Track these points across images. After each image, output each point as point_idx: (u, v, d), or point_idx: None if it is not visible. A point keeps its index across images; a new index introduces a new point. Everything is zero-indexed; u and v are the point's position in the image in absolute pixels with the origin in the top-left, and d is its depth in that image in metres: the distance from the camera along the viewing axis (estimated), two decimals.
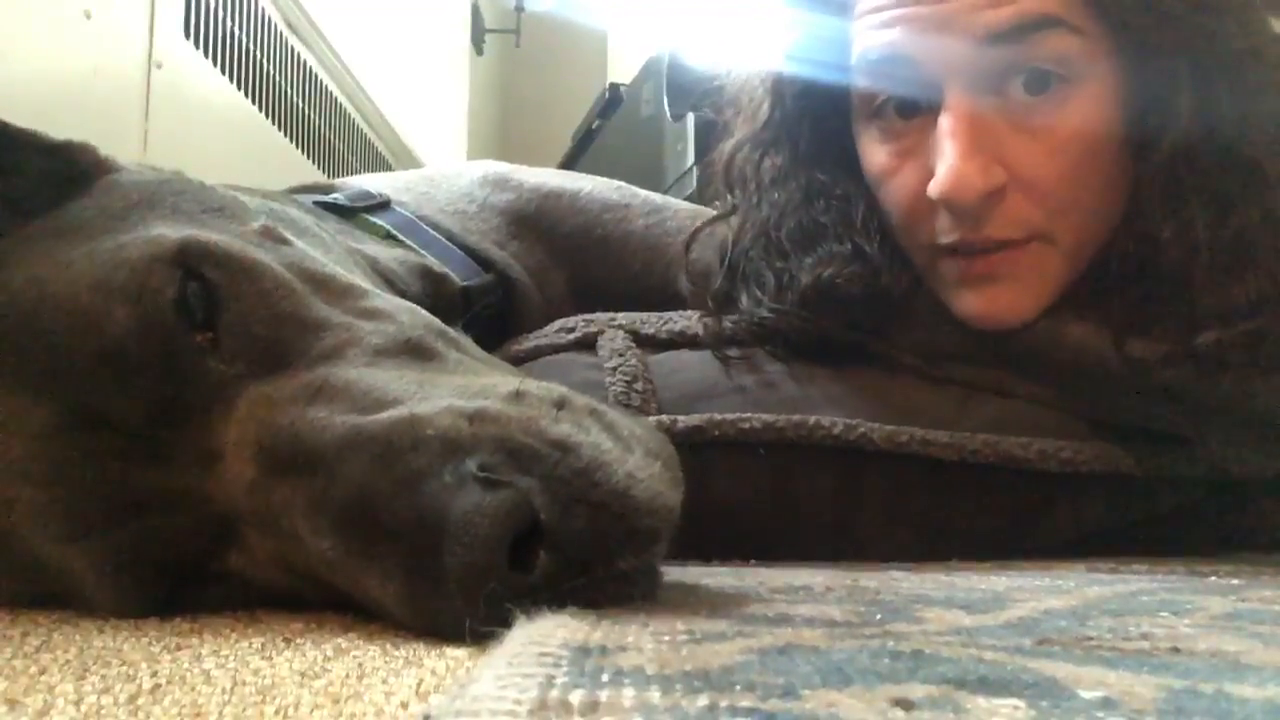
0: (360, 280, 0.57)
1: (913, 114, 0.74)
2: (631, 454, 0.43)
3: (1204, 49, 0.70)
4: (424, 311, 0.57)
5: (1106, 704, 0.26)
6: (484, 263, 0.83)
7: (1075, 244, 0.74)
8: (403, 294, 0.64)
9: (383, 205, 0.81)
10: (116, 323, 0.46)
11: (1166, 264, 0.70)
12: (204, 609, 0.47)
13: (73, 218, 0.52)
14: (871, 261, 0.77)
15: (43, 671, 0.33)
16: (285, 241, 0.55)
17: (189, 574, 0.47)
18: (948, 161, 0.69)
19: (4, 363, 0.48)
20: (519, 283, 0.85)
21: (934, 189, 0.70)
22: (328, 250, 0.61)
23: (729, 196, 0.85)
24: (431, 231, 0.81)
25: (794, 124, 0.81)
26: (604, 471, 0.41)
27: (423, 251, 0.77)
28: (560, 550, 0.39)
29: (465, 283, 0.78)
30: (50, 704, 0.28)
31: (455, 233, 0.83)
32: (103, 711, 0.28)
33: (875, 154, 0.77)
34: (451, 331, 0.56)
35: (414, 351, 0.50)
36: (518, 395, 0.45)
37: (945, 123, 0.70)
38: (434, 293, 0.72)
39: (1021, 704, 0.25)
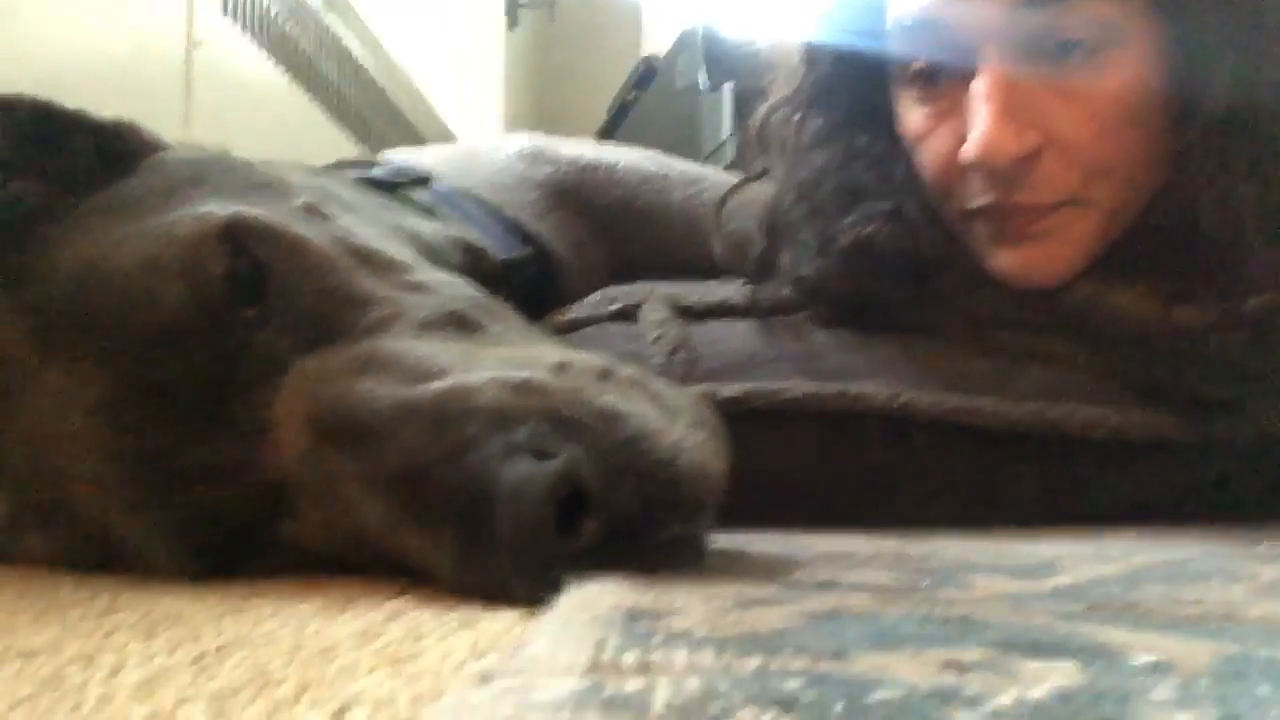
0: (403, 254, 0.58)
1: (948, 78, 0.73)
2: (676, 423, 0.44)
3: (1247, 11, 0.68)
4: (467, 284, 0.57)
5: (1159, 668, 0.26)
6: (523, 236, 0.83)
7: (1112, 208, 0.73)
8: (445, 268, 0.65)
9: (423, 180, 0.82)
10: (169, 299, 0.47)
11: (1211, 229, 0.69)
12: (260, 574, 0.49)
13: (122, 196, 0.53)
14: (911, 220, 0.76)
15: (112, 632, 0.34)
16: (329, 217, 0.56)
17: (245, 541, 0.48)
18: (981, 126, 0.68)
19: (62, 338, 0.49)
20: (557, 256, 0.85)
21: (966, 153, 0.69)
22: (371, 225, 0.61)
23: (767, 159, 0.85)
24: (471, 205, 0.82)
25: (833, 87, 0.81)
26: (649, 441, 0.42)
27: (463, 225, 0.77)
28: (608, 517, 0.40)
29: (504, 256, 0.79)
30: (121, 663, 0.29)
31: (495, 206, 0.84)
32: (171, 670, 0.29)
33: (911, 116, 0.76)
34: (494, 304, 0.57)
35: (458, 324, 0.51)
36: (562, 366, 0.45)
37: (979, 86, 0.69)
38: (474, 266, 0.73)
39: (1073, 668, 0.25)
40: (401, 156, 0.91)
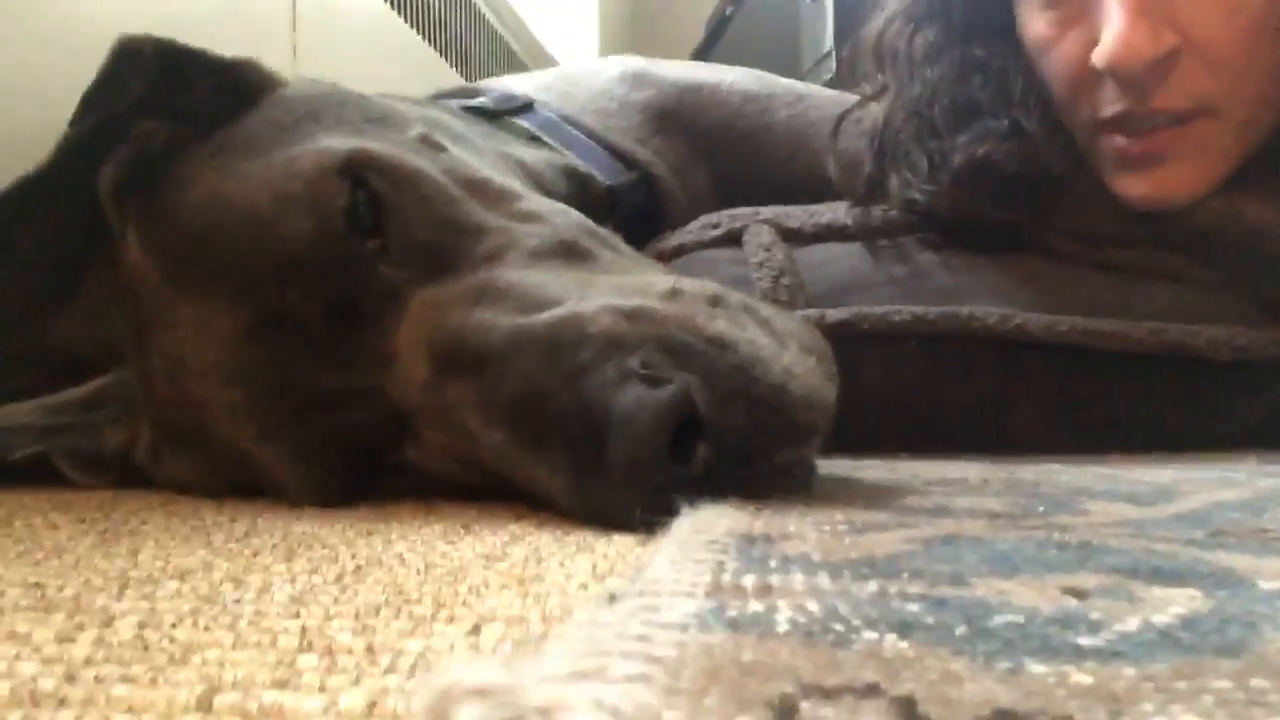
0: (513, 183, 0.59)
1: None
2: (787, 349, 0.44)
3: None
4: (575, 212, 0.58)
5: None
6: (627, 161, 0.83)
7: (1246, 119, 0.69)
8: (552, 195, 0.66)
9: (526, 107, 0.82)
10: (294, 232, 0.48)
11: None
12: (385, 498, 0.51)
13: (245, 132, 0.55)
14: (1030, 138, 0.74)
15: (255, 554, 0.37)
16: (442, 148, 0.57)
17: (370, 466, 0.50)
18: (1115, 27, 0.65)
19: (193, 272, 0.51)
20: (662, 180, 0.85)
21: (1100, 57, 0.66)
22: (480, 155, 0.62)
23: (879, 76, 0.83)
24: (575, 131, 0.82)
25: None
26: (761, 367, 0.42)
27: (567, 152, 0.78)
28: (719, 443, 0.40)
29: (610, 182, 0.79)
30: (269, 583, 0.31)
31: (597, 131, 0.84)
32: (315, 589, 0.30)
33: (1035, 22, 0.73)
34: (603, 231, 0.57)
35: (569, 252, 0.52)
36: (673, 293, 0.46)
37: None
38: (580, 193, 0.73)
39: (1198, 594, 0.25)
40: (503, 84, 0.91)
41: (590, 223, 0.57)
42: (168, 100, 0.56)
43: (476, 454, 0.46)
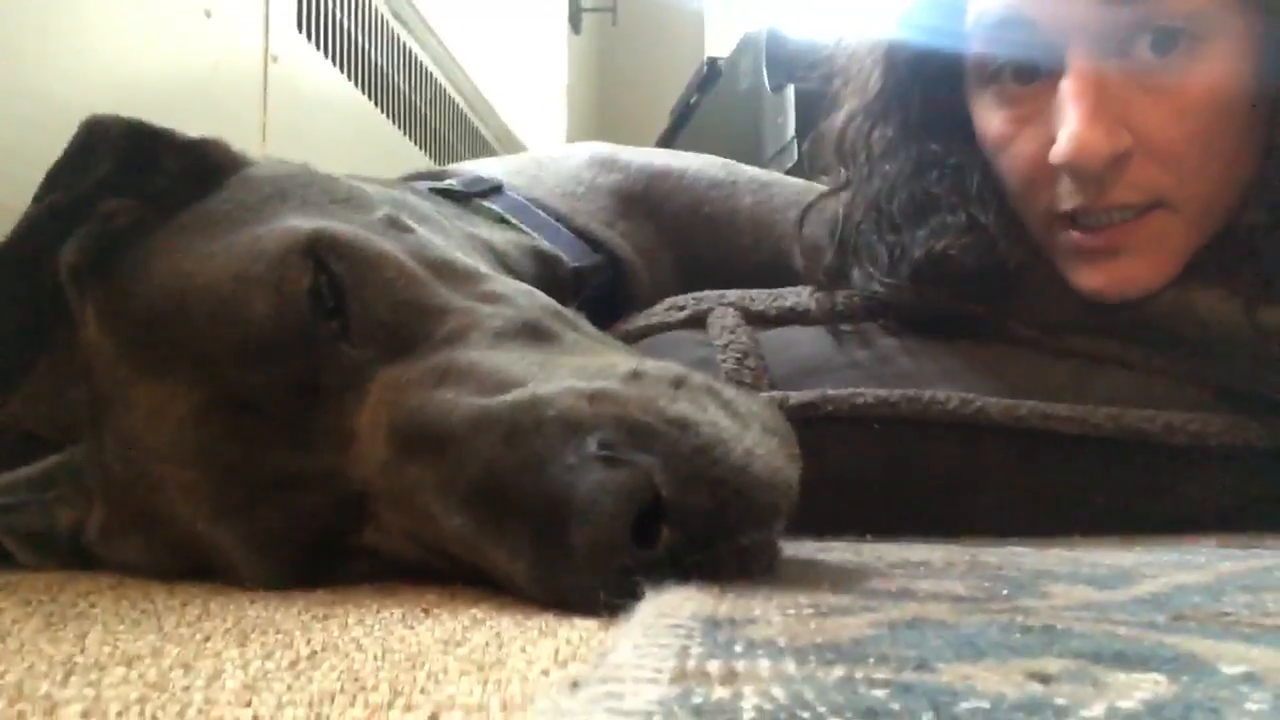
0: (479, 264, 0.59)
1: (1031, 78, 0.72)
2: (749, 430, 0.44)
3: None
4: (541, 294, 0.58)
5: (1250, 679, 0.25)
6: (593, 243, 0.84)
7: (1200, 211, 0.71)
8: (518, 277, 0.66)
9: (495, 190, 0.83)
10: (256, 312, 0.48)
11: None
12: (342, 581, 0.50)
13: (210, 212, 0.55)
14: (986, 232, 0.75)
15: (207, 639, 0.36)
16: (408, 229, 0.57)
17: (328, 548, 0.49)
18: (1071, 126, 0.67)
19: (152, 351, 0.51)
20: (627, 262, 0.86)
21: (1057, 155, 0.68)
22: (447, 236, 0.63)
23: (842, 170, 0.85)
24: (542, 214, 0.83)
25: (906, 93, 0.80)
26: (723, 448, 0.42)
27: (534, 234, 0.79)
28: (683, 525, 0.40)
29: (576, 264, 0.79)
30: (220, 669, 0.30)
31: (564, 214, 0.85)
32: (269, 675, 0.30)
33: (992, 120, 0.75)
34: (568, 312, 0.58)
35: (533, 333, 0.52)
36: (635, 375, 0.46)
37: (1068, 86, 0.68)
38: (547, 275, 0.74)
39: (1163, 679, 0.25)
40: (473, 167, 0.92)
41: (555, 304, 0.57)
42: (133, 180, 0.56)
43: (437, 537, 0.46)
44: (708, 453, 0.42)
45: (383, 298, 0.50)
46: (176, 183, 0.57)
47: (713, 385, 0.47)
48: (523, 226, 0.79)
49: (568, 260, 0.78)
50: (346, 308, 0.50)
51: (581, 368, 0.48)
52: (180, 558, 0.52)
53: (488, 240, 0.70)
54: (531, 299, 0.56)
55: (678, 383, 0.46)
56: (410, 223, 0.58)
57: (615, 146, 0.98)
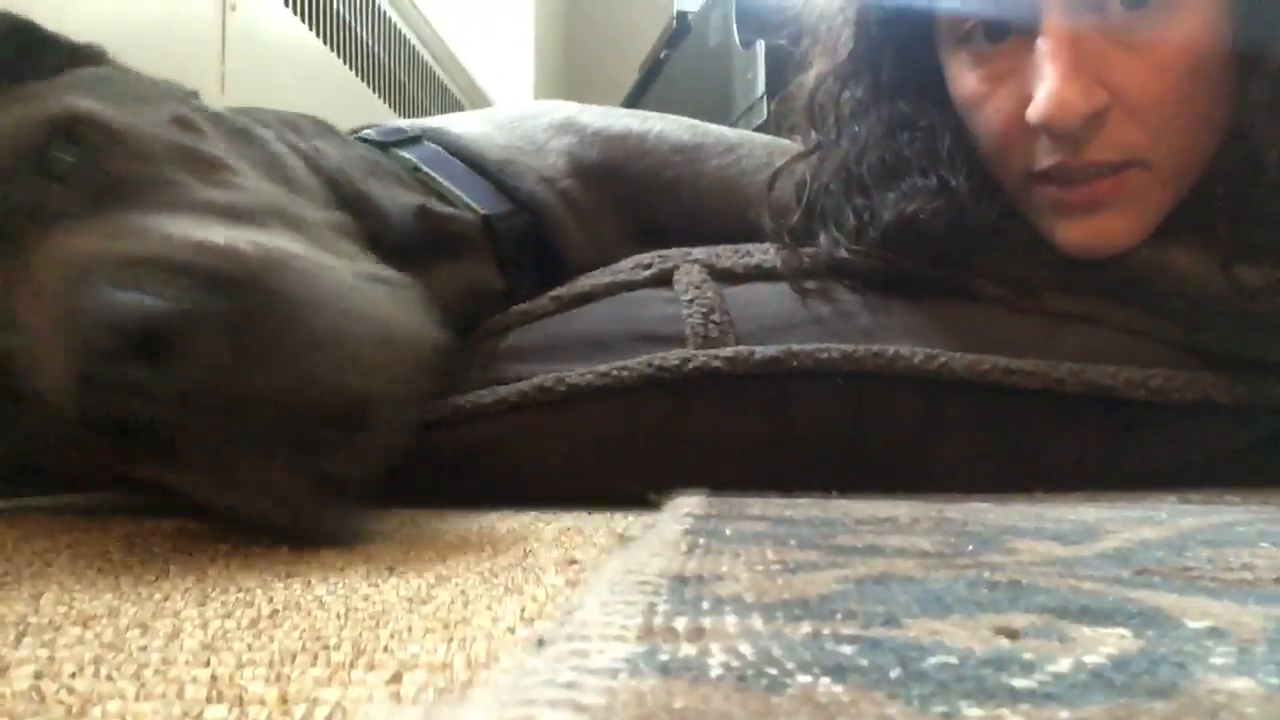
0: (240, 164, 0.59)
1: (1004, 36, 0.71)
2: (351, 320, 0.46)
3: None
4: (286, 194, 0.59)
5: (1215, 634, 0.25)
6: (510, 193, 0.85)
7: (1176, 168, 0.71)
8: (357, 199, 0.69)
9: (413, 140, 0.85)
10: None
11: (1273, 187, 0.67)
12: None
13: (20, 93, 0.58)
14: (958, 195, 0.75)
15: (166, 598, 0.35)
16: (197, 131, 0.59)
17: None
18: (1048, 85, 0.67)
19: None
20: (548, 213, 0.85)
21: (1034, 114, 0.68)
22: (278, 167, 0.64)
23: (812, 133, 0.84)
24: (458, 163, 0.84)
25: (877, 53, 0.79)
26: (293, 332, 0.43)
27: (446, 181, 0.81)
28: (195, 364, 0.41)
29: (485, 211, 0.81)
30: (178, 628, 0.30)
31: (490, 166, 0.85)
32: (228, 634, 0.29)
33: (965, 80, 0.75)
34: (316, 218, 0.58)
35: (249, 219, 0.53)
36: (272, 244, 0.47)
37: (1044, 44, 0.67)
38: (430, 230, 0.76)
39: (1128, 633, 0.25)
40: (441, 123, 0.92)
41: (307, 208, 0.59)
42: (15, 69, 0.59)
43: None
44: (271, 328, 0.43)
45: (110, 166, 0.52)
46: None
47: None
48: (434, 174, 0.81)
49: (473, 212, 0.80)
50: (76, 172, 0.52)
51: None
52: None
53: (328, 166, 0.71)
54: (275, 199, 0.57)
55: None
56: (206, 128, 0.60)
57: (580, 108, 0.96)
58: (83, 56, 0.63)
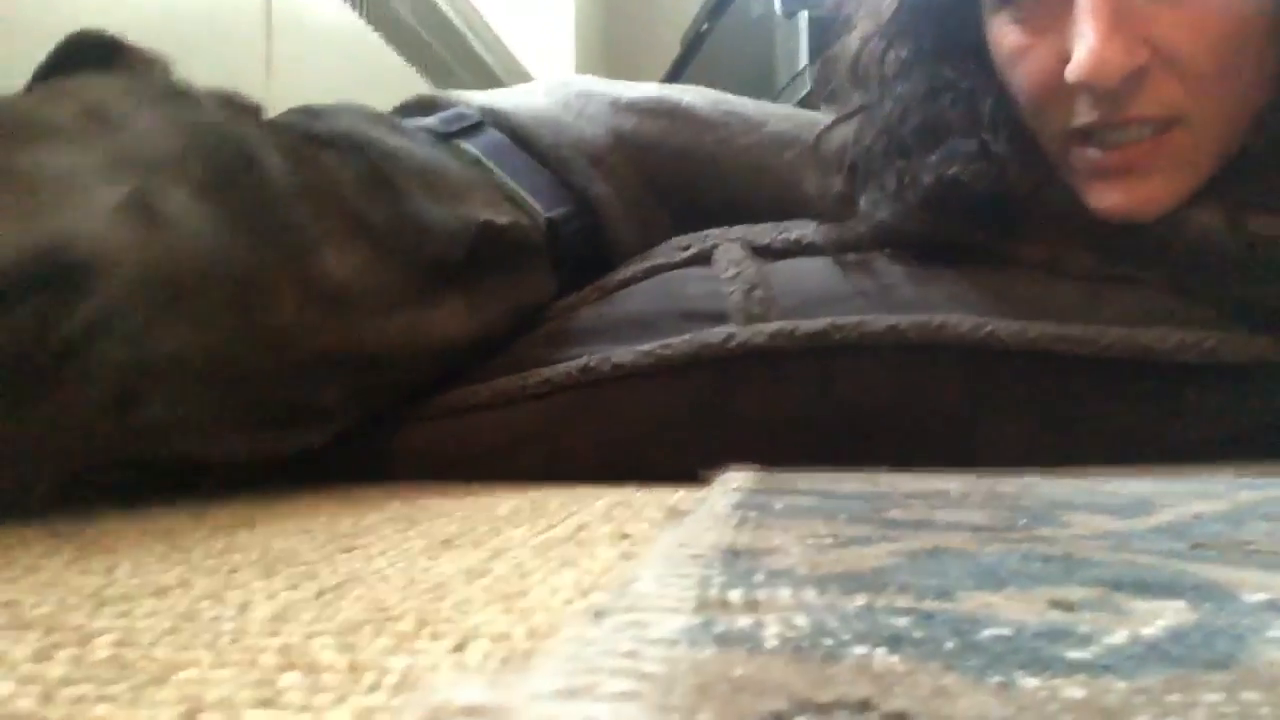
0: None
1: None
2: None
3: None
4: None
5: (1273, 606, 0.25)
6: (571, 188, 0.83)
7: (1216, 129, 0.70)
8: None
9: (475, 127, 0.82)
10: None
11: None
12: None
13: None
14: (998, 158, 0.74)
15: (234, 571, 0.36)
16: (112, 125, 0.58)
17: None
18: (1088, 42, 0.66)
19: None
20: (605, 207, 0.84)
21: (1073, 72, 0.67)
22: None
23: (855, 94, 0.83)
24: (522, 157, 0.81)
25: (921, 14, 0.78)
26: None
27: (508, 179, 0.77)
28: None
29: (549, 214, 0.78)
30: (248, 600, 0.31)
31: (547, 156, 0.83)
32: (296, 606, 0.30)
33: (1006, 36, 0.74)
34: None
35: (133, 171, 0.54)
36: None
37: (1084, 1, 0.67)
38: (485, 243, 0.72)
39: (1184, 605, 0.25)
40: (471, 96, 0.90)
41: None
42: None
43: None
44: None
45: None
46: None
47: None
48: (496, 170, 0.78)
49: (540, 209, 0.77)
50: None
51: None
52: None
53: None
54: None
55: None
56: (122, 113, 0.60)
57: (605, 83, 0.95)
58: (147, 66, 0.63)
